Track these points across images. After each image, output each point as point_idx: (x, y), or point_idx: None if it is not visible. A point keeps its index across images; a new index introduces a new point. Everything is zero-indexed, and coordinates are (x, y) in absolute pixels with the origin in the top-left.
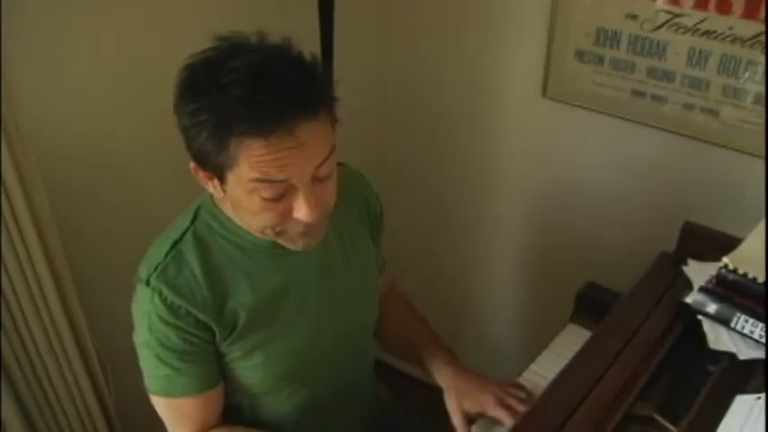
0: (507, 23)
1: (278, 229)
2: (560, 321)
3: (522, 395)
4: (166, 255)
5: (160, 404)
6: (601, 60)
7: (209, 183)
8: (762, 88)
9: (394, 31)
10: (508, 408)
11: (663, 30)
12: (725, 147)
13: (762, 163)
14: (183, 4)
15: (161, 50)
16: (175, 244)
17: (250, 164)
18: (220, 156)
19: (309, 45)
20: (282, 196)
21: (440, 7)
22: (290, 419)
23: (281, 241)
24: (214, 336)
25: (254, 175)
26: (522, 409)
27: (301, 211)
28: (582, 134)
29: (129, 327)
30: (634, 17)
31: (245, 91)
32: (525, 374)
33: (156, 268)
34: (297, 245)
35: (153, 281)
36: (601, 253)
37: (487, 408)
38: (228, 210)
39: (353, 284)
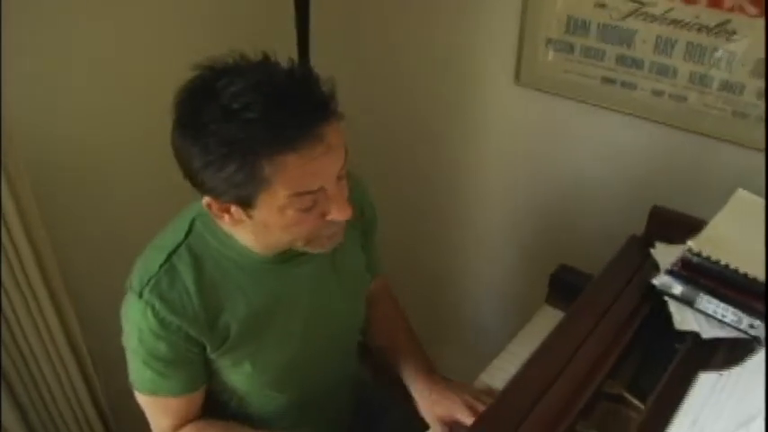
0: (479, 12)
1: (311, 236)
2: (539, 300)
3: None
4: (160, 267)
5: (144, 400)
6: (571, 48)
7: (225, 214)
8: (727, 75)
9: (366, 21)
10: (477, 413)
11: (631, 18)
12: (692, 132)
13: (729, 147)
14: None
15: (146, 53)
16: (169, 257)
17: (285, 181)
18: (250, 184)
19: (283, 39)
20: (315, 203)
21: None
22: (277, 415)
23: (309, 248)
24: (204, 349)
25: (290, 191)
26: None
27: (337, 211)
28: (554, 120)
29: (120, 327)
30: (603, 6)
31: (263, 112)
32: (501, 355)
33: (149, 281)
34: (324, 248)
35: (146, 294)
36: (573, 236)
37: (456, 413)
38: (228, 228)
39: (341, 292)
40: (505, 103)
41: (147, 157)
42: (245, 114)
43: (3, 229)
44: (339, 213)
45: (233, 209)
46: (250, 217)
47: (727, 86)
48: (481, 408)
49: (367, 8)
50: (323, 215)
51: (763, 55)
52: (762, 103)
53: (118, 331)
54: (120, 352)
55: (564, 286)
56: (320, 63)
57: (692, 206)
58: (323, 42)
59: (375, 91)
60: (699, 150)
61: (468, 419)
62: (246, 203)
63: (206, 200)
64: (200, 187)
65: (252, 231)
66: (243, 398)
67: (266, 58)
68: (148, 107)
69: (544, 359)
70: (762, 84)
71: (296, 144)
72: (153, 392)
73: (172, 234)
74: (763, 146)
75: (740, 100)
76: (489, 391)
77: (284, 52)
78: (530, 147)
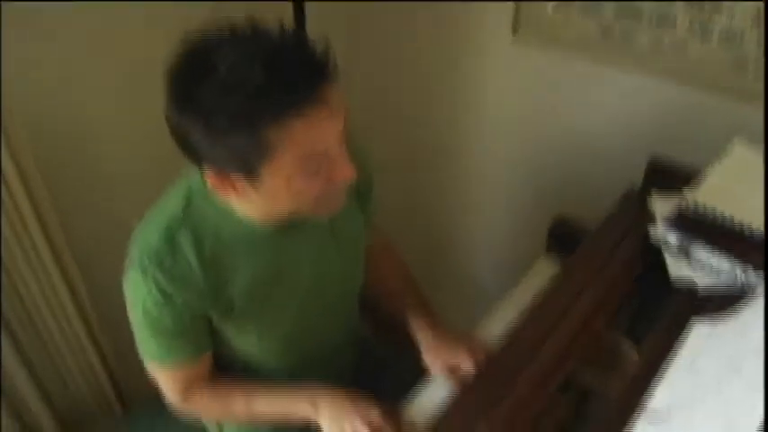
0: None
1: (318, 202)
2: (539, 251)
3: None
4: (160, 241)
5: (153, 367)
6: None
7: (230, 188)
8: (728, 22)
9: None
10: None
11: None
12: (691, 83)
13: (728, 99)
14: None
15: (148, 33)
16: (170, 231)
17: (291, 147)
18: (255, 153)
19: None
20: (320, 167)
21: None
22: (281, 375)
23: (315, 213)
24: (208, 318)
25: (298, 156)
26: None
27: (343, 172)
28: (552, 73)
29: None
30: None
31: (264, 80)
32: (501, 305)
33: (150, 255)
34: (331, 210)
35: (149, 269)
36: (575, 188)
37: (459, 360)
38: (229, 197)
39: (341, 257)
40: (503, 57)
41: (150, 124)
42: (245, 86)
43: (5, 194)
44: (345, 174)
45: (237, 183)
46: (256, 189)
47: (728, 36)
48: (482, 356)
49: None
50: (328, 179)
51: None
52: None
53: (119, 288)
54: (123, 310)
55: (563, 237)
56: (315, 16)
57: (689, 156)
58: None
59: (372, 46)
60: (697, 101)
61: (470, 366)
62: (252, 174)
63: (206, 171)
64: (198, 159)
65: (256, 202)
66: (247, 361)
67: (255, 25)
68: (148, 78)
69: (542, 310)
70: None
71: (301, 109)
72: (161, 362)
73: (169, 206)
74: (758, 96)
75: (740, 50)
76: (490, 343)
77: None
78: (528, 99)
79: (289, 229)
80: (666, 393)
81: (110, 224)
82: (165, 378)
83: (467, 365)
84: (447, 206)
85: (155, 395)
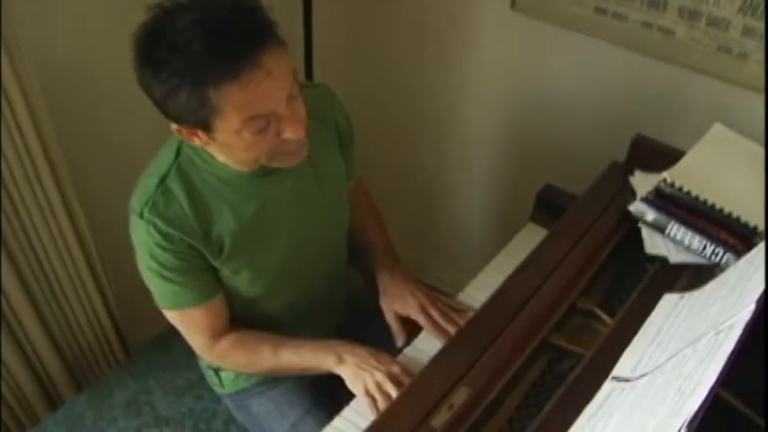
0: None
1: (270, 153)
2: (525, 217)
3: (447, 310)
4: (156, 189)
5: (173, 317)
6: None
7: (194, 137)
8: (715, 10)
9: None
10: (428, 317)
11: None
12: (679, 64)
13: (712, 80)
14: None
15: None
16: (163, 178)
17: (234, 108)
18: (204, 110)
19: None
20: (269, 124)
21: None
22: (278, 316)
23: (274, 164)
24: (206, 257)
25: (242, 116)
26: (441, 322)
27: (289, 131)
28: (546, 46)
29: (125, 222)
30: None
31: (204, 45)
32: (486, 270)
33: (147, 202)
34: (291, 162)
35: (146, 214)
36: (562, 158)
37: (411, 312)
38: (212, 147)
39: (325, 199)
40: (500, 28)
41: None
42: (189, 47)
43: (13, 128)
44: (292, 133)
45: (199, 133)
46: (213, 140)
47: (714, 22)
48: (433, 314)
49: None
50: (278, 134)
51: None
52: (746, 40)
53: (124, 234)
54: (127, 254)
55: (548, 205)
56: None
57: (673, 135)
58: None
59: (374, 15)
60: (683, 83)
61: (422, 320)
62: (206, 128)
63: (174, 126)
64: (167, 116)
65: (220, 151)
66: (246, 301)
67: None
68: None
69: (523, 277)
70: (748, 20)
71: (237, 72)
72: (177, 306)
73: (163, 159)
74: (745, 82)
75: (726, 36)
76: (448, 300)
77: None
78: (522, 69)
79: (271, 173)
80: (632, 359)
81: (116, 168)
82: (187, 326)
83: (418, 318)
84: (440, 170)
85: (154, 343)
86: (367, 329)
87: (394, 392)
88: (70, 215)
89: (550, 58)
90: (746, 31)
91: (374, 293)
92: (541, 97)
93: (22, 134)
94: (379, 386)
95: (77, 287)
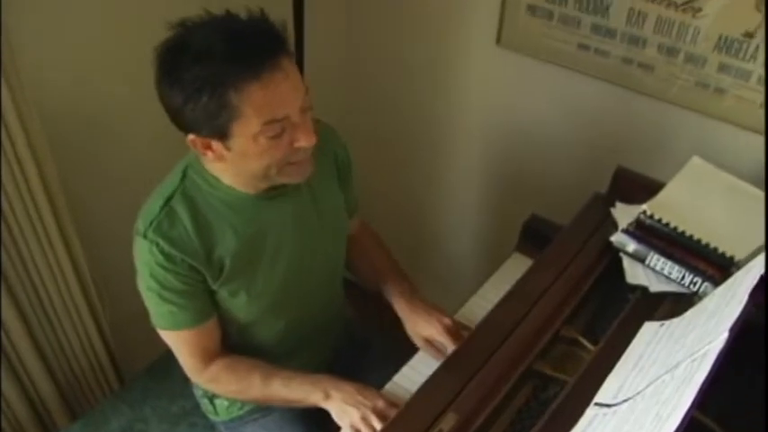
0: None
1: (282, 164)
2: (511, 247)
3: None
4: (160, 210)
5: (167, 337)
6: (551, 15)
7: (209, 151)
8: (692, 48)
9: None
10: (452, 336)
11: None
12: (658, 99)
13: (691, 114)
14: None
15: (153, 11)
16: (168, 201)
17: (254, 109)
18: (224, 114)
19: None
20: (284, 131)
21: None
22: (273, 344)
23: (283, 178)
24: (205, 278)
25: (261, 119)
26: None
27: (303, 139)
28: (531, 81)
29: (122, 251)
30: None
31: (225, 49)
32: (473, 299)
33: (151, 223)
34: (298, 176)
35: (150, 234)
36: (546, 189)
37: (435, 334)
38: (219, 174)
39: (323, 228)
40: (487, 63)
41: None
42: (210, 53)
43: (13, 161)
44: (305, 139)
45: (214, 144)
46: (229, 149)
47: (691, 59)
48: (455, 330)
49: None
50: (291, 142)
51: (725, 32)
52: (722, 76)
53: (121, 263)
54: (124, 283)
55: (534, 235)
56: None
57: (654, 166)
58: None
59: (367, 52)
60: (663, 116)
61: (447, 342)
62: (223, 134)
63: (190, 137)
64: (184, 126)
65: (232, 165)
66: (242, 326)
67: (228, 11)
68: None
69: (508, 306)
70: (723, 58)
71: (258, 72)
72: (173, 327)
73: (168, 183)
74: (723, 116)
75: (702, 72)
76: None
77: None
78: (508, 104)
79: (272, 197)
80: (614, 386)
81: (114, 200)
82: (181, 346)
83: (442, 338)
84: (430, 199)
85: (149, 371)
86: (362, 359)
87: (379, 426)
88: (67, 245)
89: (535, 92)
90: (722, 68)
91: (368, 325)
92: (527, 130)
93: (21, 168)
94: (364, 420)
95: (73, 315)
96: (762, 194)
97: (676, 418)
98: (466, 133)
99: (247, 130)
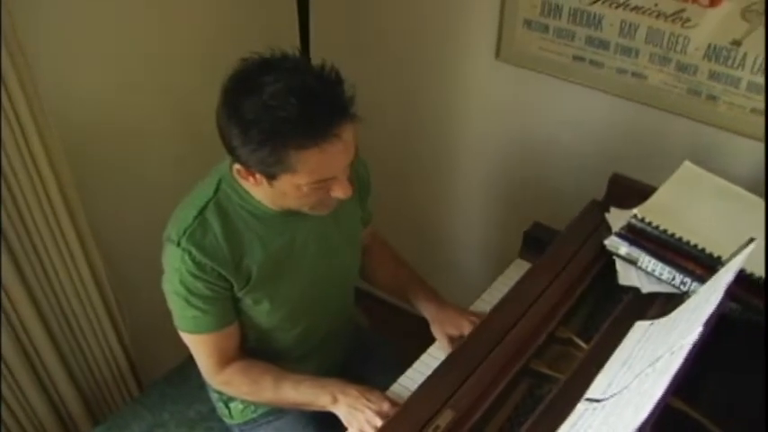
0: None
1: (315, 206)
2: (515, 254)
3: None
4: (194, 220)
5: (189, 340)
6: (546, 29)
7: (251, 177)
8: (682, 57)
9: (363, 5)
10: None
11: (598, 4)
12: (651, 106)
13: (685, 121)
14: None
15: (169, 29)
16: (201, 211)
17: (306, 169)
18: (278, 166)
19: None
20: (326, 184)
21: None
22: (289, 348)
23: (312, 213)
24: (232, 286)
25: (311, 179)
26: None
27: (340, 191)
28: (529, 92)
29: (142, 265)
30: None
31: (295, 111)
32: (477, 303)
33: (185, 232)
34: (324, 212)
35: (183, 242)
36: (546, 197)
37: (465, 331)
38: (252, 191)
39: (341, 240)
40: (487, 76)
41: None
42: (280, 112)
43: (35, 177)
44: (342, 192)
45: (257, 176)
46: (271, 186)
47: (682, 67)
48: None
49: None
50: (328, 191)
51: (713, 40)
52: (713, 83)
53: (141, 277)
54: (143, 295)
55: (536, 242)
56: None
57: (651, 173)
58: (321, 21)
59: (374, 65)
60: (656, 123)
61: None
62: (271, 177)
63: (237, 167)
64: (236, 158)
65: (268, 193)
66: (262, 332)
67: (302, 58)
68: (166, 80)
69: (506, 308)
70: (713, 66)
71: (319, 142)
72: (195, 330)
73: (202, 192)
74: (715, 122)
75: (694, 80)
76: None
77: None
78: (507, 114)
79: (299, 215)
80: (604, 382)
81: (133, 215)
82: (200, 348)
83: None
84: (435, 208)
85: (168, 377)
86: (368, 363)
87: None
88: (88, 260)
89: (534, 103)
90: (712, 75)
91: (379, 332)
92: (527, 140)
93: (44, 185)
94: (369, 423)
95: (95, 326)
96: (752, 197)
97: (648, 408)
98: (468, 145)
99: (294, 182)
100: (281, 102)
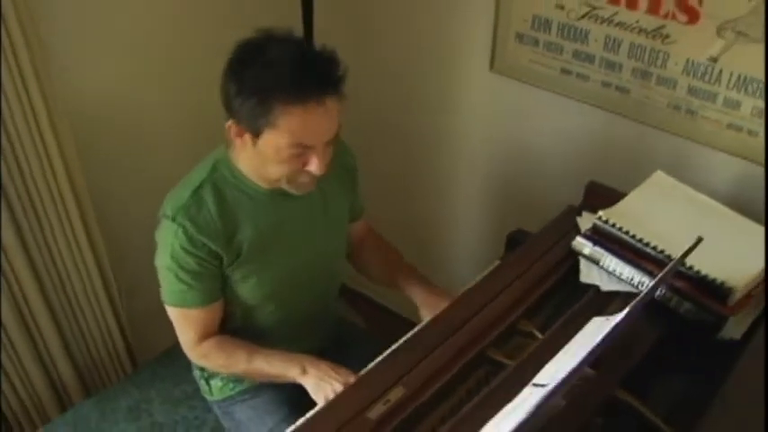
0: (461, 8)
1: (291, 178)
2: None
3: None
4: (189, 197)
5: (174, 313)
6: (536, 42)
7: (238, 139)
8: (662, 71)
9: (364, 20)
10: None
11: (585, 19)
12: (634, 119)
13: (665, 135)
14: None
15: (177, 27)
16: (197, 189)
17: (288, 129)
18: (263, 120)
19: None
20: (302, 154)
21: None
22: (273, 328)
23: (287, 188)
24: (221, 262)
25: (290, 140)
26: None
27: (314, 166)
28: (520, 103)
29: (142, 250)
30: (562, 7)
31: (291, 71)
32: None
33: (180, 208)
34: (300, 192)
35: (178, 218)
36: (532, 204)
37: None
38: (241, 165)
39: (328, 226)
40: (481, 86)
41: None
42: (276, 69)
43: (46, 165)
44: (316, 168)
45: (246, 136)
46: (254, 145)
47: (663, 82)
48: None
49: (365, 9)
50: (304, 164)
51: (691, 56)
52: (691, 98)
53: (140, 261)
54: (142, 279)
55: (517, 245)
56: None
57: (631, 183)
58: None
59: (374, 73)
60: (638, 135)
61: None
62: (255, 134)
63: (229, 122)
64: (230, 112)
65: (252, 159)
66: (247, 310)
67: (308, 38)
68: (172, 69)
69: (469, 299)
70: (691, 81)
71: (305, 101)
72: (181, 304)
73: (198, 173)
74: (693, 136)
75: (674, 94)
76: None
77: None
78: (499, 123)
79: (288, 196)
80: (552, 369)
81: (137, 204)
82: (183, 322)
83: None
84: (429, 213)
85: (159, 358)
86: (345, 353)
87: None
88: (91, 244)
89: (525, 114)
90: (691, 91)
91: (356, 323)
92: (514, 148)
93: (53, 170)
94: (336, 393)
95: (94, 306)
96: (718, 205)
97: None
98: (463, 152)
99: (275, 141)
100: (278, 63)
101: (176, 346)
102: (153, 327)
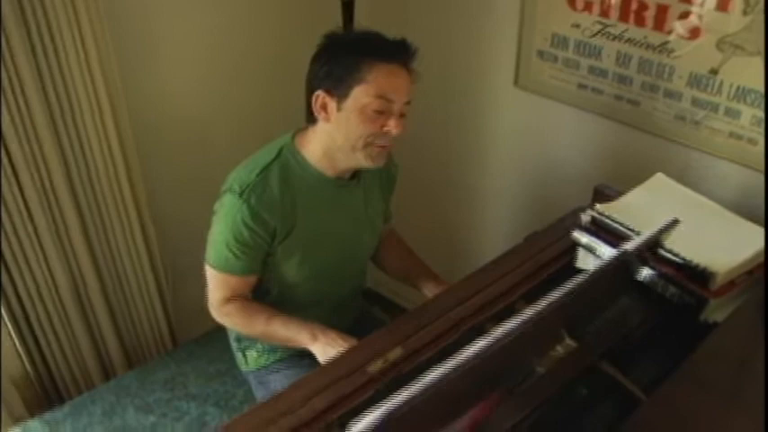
0: (489, 27)
1: (369, 139)
2: None
3: None
4: (257, 176)
5: (212, 273)
6: (555, 59)
7: (323, 112)
8: (669, 84)
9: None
10: None
11: (598, 36)
12: (644, 130)
13: (674, 145)
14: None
15: (232, 44)
16: (264, 170)
17: (375, 83)
18: (355, 75)
19: None
20: (383, 113)
21: (433, 17)
22: (302, 307)
23: (361, 157)
24: (274, 238)
25: (377, 91)
26: None
27: (394, 126)
28: (542, 116)
29: (190, 242)
30: (578, 26)
31: (375, 40)
32: None
33: (248, 185)
34: (373, 162)
35: (245, 194)
36: (546, 208)
37: None
38: (307, 151)
39: (367, 222)
40: (507, 101)
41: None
42: (367, 36)
43: (107, 157)
44: (395, 127)
45: (330, 106)
46: (339, 110)
47: (669, 94)
48: None
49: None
50: (383, 126)
51: (694, 69)
52: (696, 109)
53: (188, 252)
54: (188, 269)
55: None
56: None
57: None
58: None
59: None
60: (648, 145)
61: None
62: (343, 95)
63: (316, 93)
64: (317, 83)
65: (329, 135)
66: (283, 288)
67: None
68: (229, 79)
69: (473, 279)
70: (695, 92)
71: (389, 60)
72: (223, 269)
73: (264, 155)
74: (698, 145)
75: (680, 106)
76: None
77: None
78: (522, 135)
79: (341, 185)
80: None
81: (188, 199)
82: (218, 283)
83: None
84: (459, 219)
85: (198, 339)
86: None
87: None
88: (144, 233)
89: (544, 125)
90: (695, 102)
91: (377, 318)
92: (536, 157)
93: (115, 171)
94: None
95: (143, 292)
96: (715, 205)
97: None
98: (491, 163)
99: (362, 96)
100: (367, 34)
101: (215, 330)
102: (195, 314)
